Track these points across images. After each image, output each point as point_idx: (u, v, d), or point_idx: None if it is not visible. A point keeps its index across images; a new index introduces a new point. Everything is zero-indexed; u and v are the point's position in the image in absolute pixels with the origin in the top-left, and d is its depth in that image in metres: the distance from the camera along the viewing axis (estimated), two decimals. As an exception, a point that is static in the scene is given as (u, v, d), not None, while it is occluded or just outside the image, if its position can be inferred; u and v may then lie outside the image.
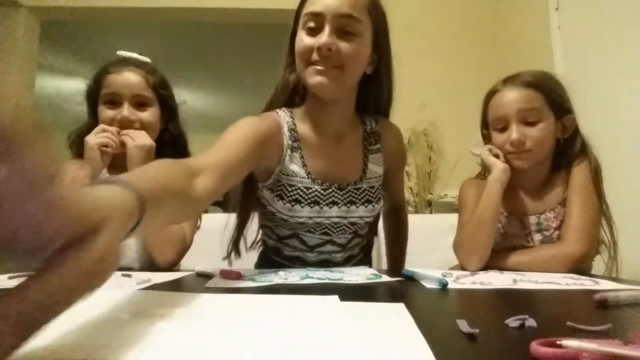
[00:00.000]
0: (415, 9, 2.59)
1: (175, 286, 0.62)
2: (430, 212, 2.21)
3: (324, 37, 0.76)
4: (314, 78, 0.78)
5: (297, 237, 0.88)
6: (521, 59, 2.23)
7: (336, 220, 0.86)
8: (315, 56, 0.77)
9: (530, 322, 0.36)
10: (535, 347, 0.28)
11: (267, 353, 0.29)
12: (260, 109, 0.89)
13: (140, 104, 0.97)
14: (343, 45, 0.77)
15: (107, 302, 0.47)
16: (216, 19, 2.95)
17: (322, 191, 0.84)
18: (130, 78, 0.96)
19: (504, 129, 0.93)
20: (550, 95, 0.91)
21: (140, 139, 0.89)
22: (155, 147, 0.92)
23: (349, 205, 0.86)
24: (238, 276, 0.65)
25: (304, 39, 0.79)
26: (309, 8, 0.79)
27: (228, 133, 0.74)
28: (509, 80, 0.94)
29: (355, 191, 0.87)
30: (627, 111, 1.44)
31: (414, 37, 2.54)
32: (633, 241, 1.32)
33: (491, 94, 0.97)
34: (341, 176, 0.87)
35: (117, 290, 0.56)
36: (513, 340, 0.33)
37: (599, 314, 0.43)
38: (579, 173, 0.90)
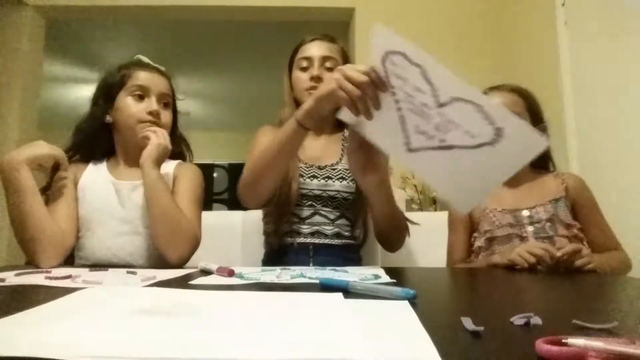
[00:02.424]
0: (420, 4, 2.58)
1: (180, 283, 0.62)
2: (435, 210, 2.20)
3: (315, 70, 1.12)
4: None
5: (292, 212, 1.10)
6: (527, 55, 2.21)
7: (317, 192, 1.10)
8: (308, 83, 1.12)
9: (536, 320, 0.36)
10: (541, 345, 0.28)
11: (272, 349, 0.29)
12: (258, 114, 0.93)
13: (164, 103, 1.01)
14: (327, 75, 1.11)
15: (112, 299, 0.48)
16: (222, 18, 2.94)
17: (305, 168, 1.12)
18: (157, 77, 1.01)
19: None
20: (530, 102, 1.07)
21: (161, 139, 0.94)
22: (169, 150, 0.95)
23: (326, 179, 1.11)
24: (231, 273, 0.67)
25: (300, 76, 1.14)
26: (302, 54, 1.15)
27: (257, 145, 1.07)
28: (495, 88, 1.09)
29: (332, 170, 1.13)
30: (634, 106, 1.43)
31: (418, 34, 2.51)
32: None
33: None
34: (322, 160, 1.14)
35: (122, 288, 0.57)
36: (518, 338, 0.33)
37: (606, 312, 0.43)
38: (582, 192, 1.06)
